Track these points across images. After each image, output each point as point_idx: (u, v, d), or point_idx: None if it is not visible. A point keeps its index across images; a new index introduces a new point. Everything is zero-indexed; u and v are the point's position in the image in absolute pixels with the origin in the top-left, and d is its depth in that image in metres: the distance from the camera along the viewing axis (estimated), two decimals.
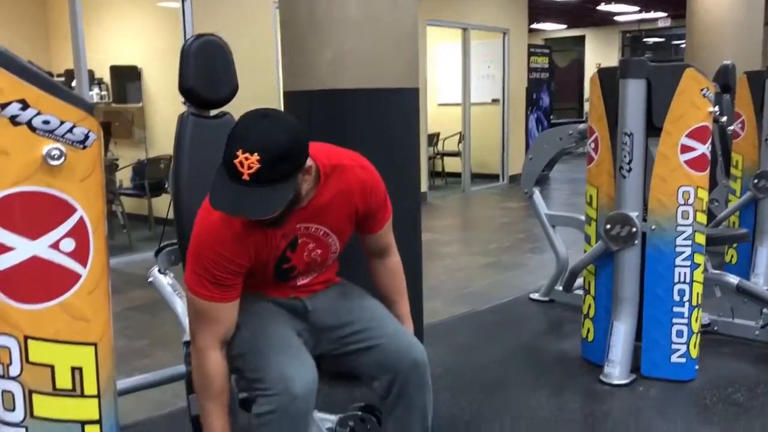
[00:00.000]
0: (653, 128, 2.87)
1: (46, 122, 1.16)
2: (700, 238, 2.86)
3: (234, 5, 5.97)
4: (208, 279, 1.66)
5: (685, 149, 2.80)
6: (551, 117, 11.05)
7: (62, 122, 1.17)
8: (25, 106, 1.14)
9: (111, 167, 6.57)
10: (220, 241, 1.65)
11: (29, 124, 1.15)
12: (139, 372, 2.71)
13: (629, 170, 2.86)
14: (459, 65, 9.15)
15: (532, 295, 4.15)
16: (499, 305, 4.08)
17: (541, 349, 3.39)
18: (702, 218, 2.86)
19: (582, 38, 18.10)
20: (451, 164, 9.87)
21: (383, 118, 2.90)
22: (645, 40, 18.80)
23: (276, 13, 6.13)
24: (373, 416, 2.02)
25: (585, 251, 3.13)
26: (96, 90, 7.19)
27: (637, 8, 14.60)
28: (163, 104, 6.83)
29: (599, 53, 17.88)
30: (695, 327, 2.90)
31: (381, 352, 1.84)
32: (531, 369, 3.11)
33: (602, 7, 14.24)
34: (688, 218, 2.82)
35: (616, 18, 16.23)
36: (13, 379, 1.19)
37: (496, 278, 4.83)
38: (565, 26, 17.44)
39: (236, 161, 1.47)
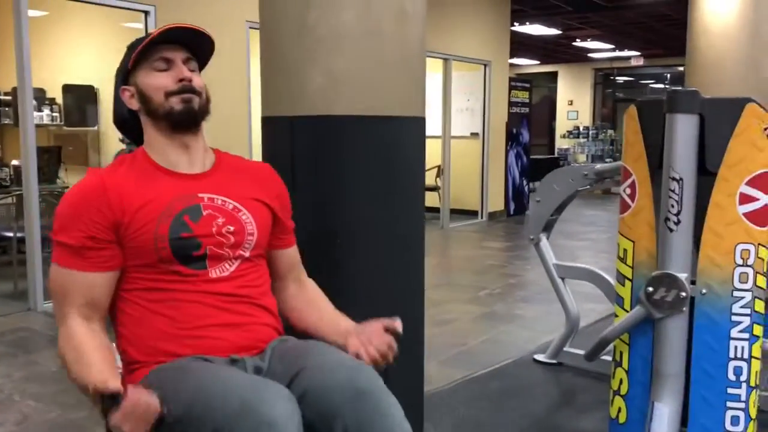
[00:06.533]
0: (704, 173, 2.43)
1: None
2: (760, 306, 2.39)
3: (203, 23, 5.44)
4: (69, 244, 1.50)
5: (745, 199, 2.34)
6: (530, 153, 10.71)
7: None
8: None
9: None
10: (90, 189, 1.55)
11: None
12: None
13: (677, 222, 2.39)
14: (438, 97, 8.74)
15: (536, 356, 3.65)
16: (501, 368, 3.56)
17: (558, 427, 2.88)
18: (762, 282, 2.39)
19: (554, 74, 18.05)
20: (427, 199, 9.41)
21: (383, 152, 2.40)
22: (616, 78, 18.88)
23: (249, 33, 5.63)
24: None
25: (617, 315, 2.65)
26: (46, 111, 6.57)
27: (611, 46, 14.56)
28: None
29: (571, 90, 17.85)
30: (752, 412, 2.41)
31: (314, 396, 1.38)
32: None
33: (578, 43, 14.15)
34: (746, 282, 2.35)
35: (590, 55, 16.20)
36: None
37: (491, 333, 4.31)
38: (538, 62, 17.35)
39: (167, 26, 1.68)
